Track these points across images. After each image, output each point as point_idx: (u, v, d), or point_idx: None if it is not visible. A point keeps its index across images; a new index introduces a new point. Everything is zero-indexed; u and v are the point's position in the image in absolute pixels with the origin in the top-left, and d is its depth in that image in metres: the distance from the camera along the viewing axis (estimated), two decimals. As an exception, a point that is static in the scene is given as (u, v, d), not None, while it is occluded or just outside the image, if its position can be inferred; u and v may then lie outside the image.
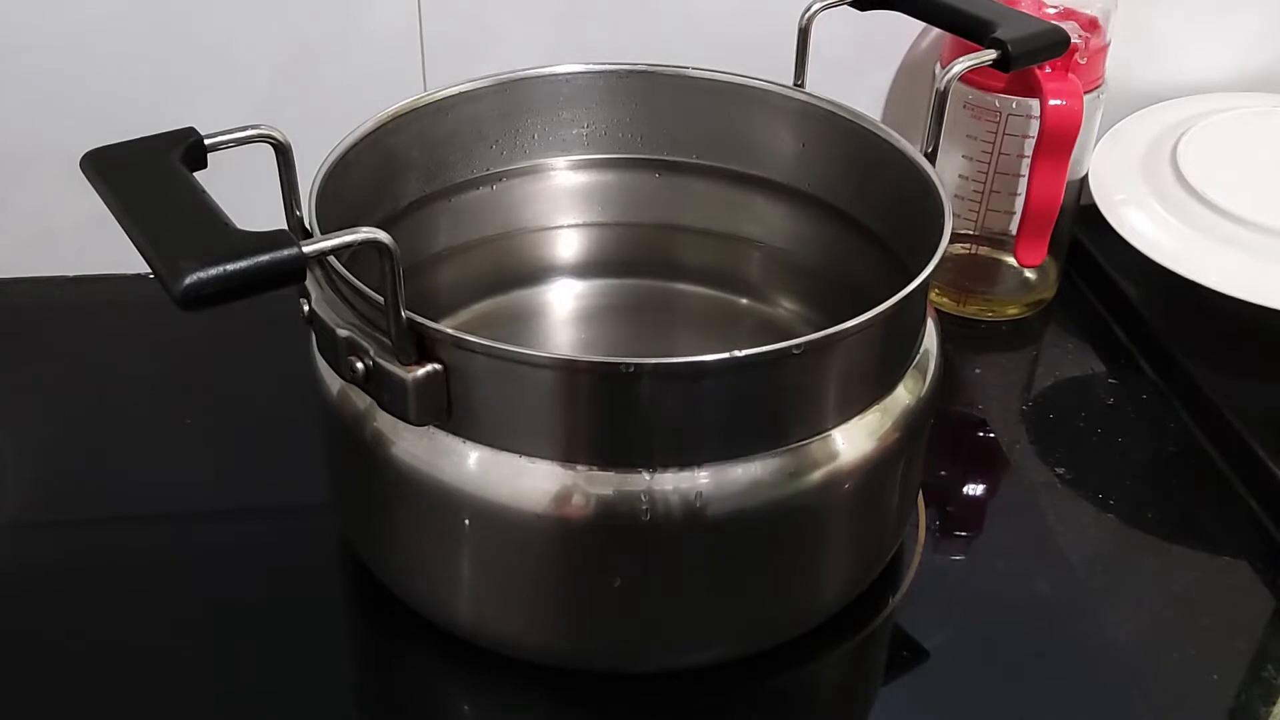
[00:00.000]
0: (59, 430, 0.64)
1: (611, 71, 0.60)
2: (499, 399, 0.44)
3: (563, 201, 0.63)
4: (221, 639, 0.53)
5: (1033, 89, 0.66)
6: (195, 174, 0.41)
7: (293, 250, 0.37)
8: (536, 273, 0.64)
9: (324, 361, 0.48)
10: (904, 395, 0.49)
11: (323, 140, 0.51)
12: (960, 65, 0.52)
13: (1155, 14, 0.77)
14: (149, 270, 0.37)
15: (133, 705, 0.50)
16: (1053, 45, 0.54)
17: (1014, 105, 0.69)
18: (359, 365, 0.43)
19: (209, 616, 0.54)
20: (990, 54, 0.52)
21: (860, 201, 0.58)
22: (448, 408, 0.44)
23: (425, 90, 0.58)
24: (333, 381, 0.48)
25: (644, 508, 0.44)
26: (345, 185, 0.51)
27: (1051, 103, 0.64)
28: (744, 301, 0.64)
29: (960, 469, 0.64)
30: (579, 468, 0.44)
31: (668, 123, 0.61)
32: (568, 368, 0.44)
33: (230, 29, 0.69)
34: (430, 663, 0.52)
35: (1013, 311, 0.75)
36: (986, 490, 0.64)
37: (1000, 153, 0.70)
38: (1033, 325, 0.74)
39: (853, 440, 0.47)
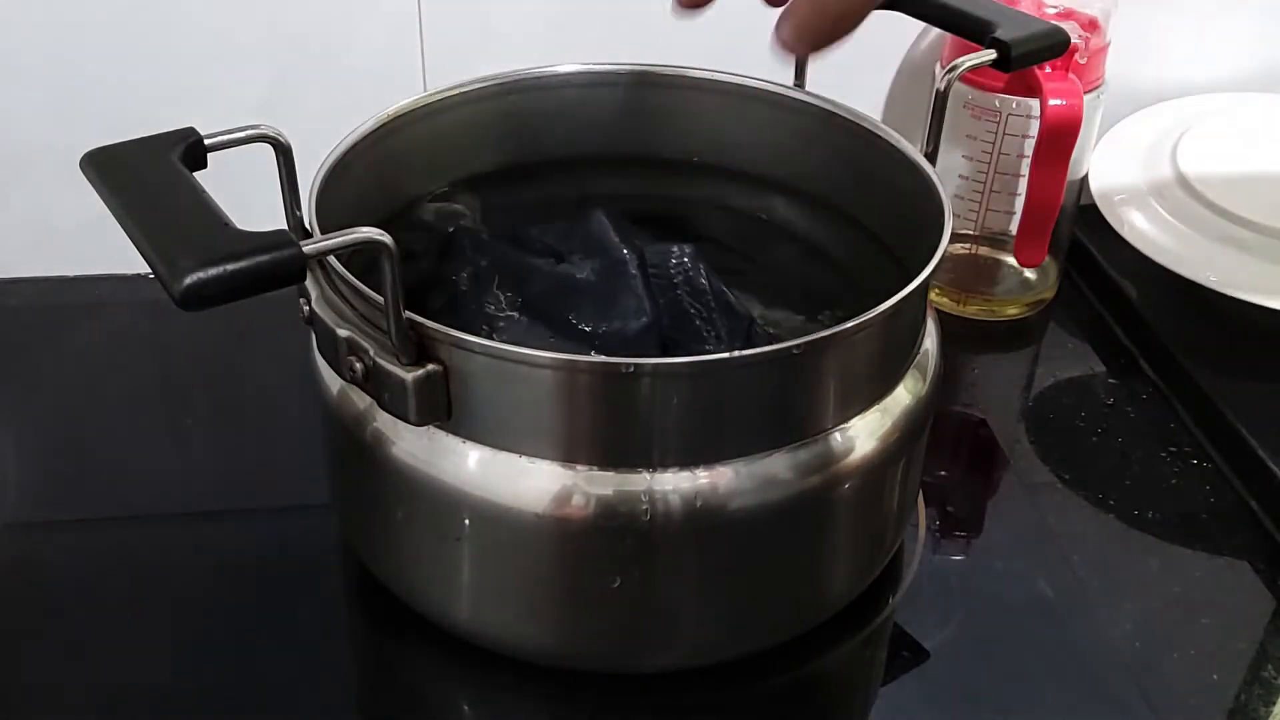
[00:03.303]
0: (59, 430, 0.64)
1: (611, 71, 0.60)
2: (499, 399, 0.44)
3: (562, 202, 0.63)
4: (221, 639, 0.53)
5: (1033, 89, 0.66)
6: (195, 174, 0.41)
7: (293, 250, 0.37)
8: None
9: (324, 361, 0.48)
10: (904, 395, 0.49)
11: (323, 140, 0.51)
12: (960, 65, 0.52)
13: (1155, 14, 0.77)
14: (149, 270, 0.37)
15: (133, 705, 0.50)
16: (1053, 45, 0.54)
17: (1014, 105, 0.69)
18: (359, 365, 0.43)
19: (209, 616, 0.54)
20: (990, 54, 0.52)
21: (860, 201, 0.58)
22: (448, 408, 0.44)
23: (425, 90, 0.58)
24: (333, 381, 0.48)
25: (644, 508, 0.44)
26: (345, 185, 0.51)
27: (1051, 103, 0.64)
28: (744, 301, 0.64)
29: (960, 469, 0.64)
30: (579, 468, 0.44)
31: (668, 123, 0.61)
32: (568, 368, 0.44)
33: (230, 29, 0.69)
34: (430, 663, 0.52)
35: (1013, 311, 0.75)
36: (986, 490, 0.64)
37: (1000, 153, 0.70)
38: (1033, 325, 0.74)
39: (853, 440, 0.47)
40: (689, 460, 0.44)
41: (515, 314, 0.52)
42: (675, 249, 0.53)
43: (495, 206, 0.61)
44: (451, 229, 0.56)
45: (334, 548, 0.57)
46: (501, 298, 0.52)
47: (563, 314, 0.51)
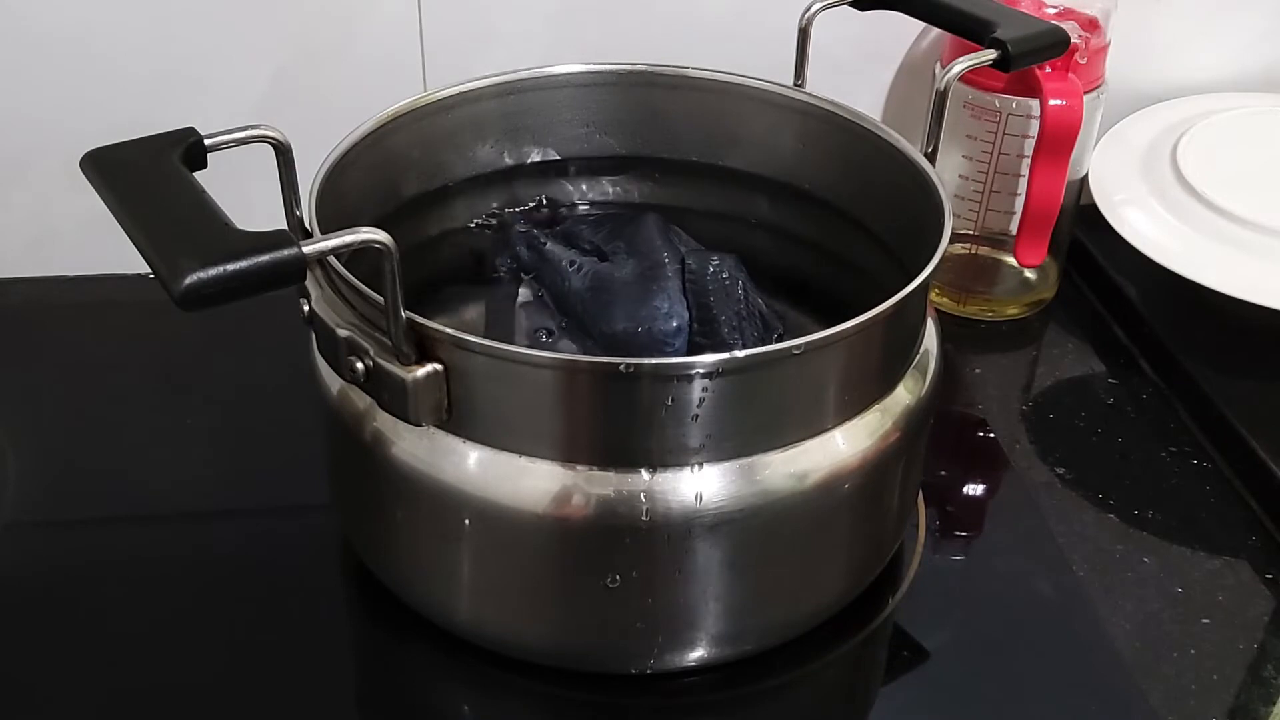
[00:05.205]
0: (59, 430, 0.64)
1: (611, 71, 0.60)
2: (499, 399, 0.44)
3: (563, 201, 0.63)
4: (221, 639, 0.53)
5: (1033, 89, 0.66)
6: (195, 174, 0.42)
7: (293, 250, 0.37)
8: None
9: (324, 361, 0.48)
10: (904, 395, 0.49)
11: (323, 140, 0.51)
12: (960, 65, 0.52)
13: (1155, 14, 0.77)
14: (149, 270, 0.37)
15: (133, 704, 0.50)
16: (1053, 45, 0.54)
17: (1014, 105, 0.69)
18: (359, 365, 0.43)
19: (209, 616, 0.54)
20: (990, 54, 0.52)
21: (860, 201, 0.58)
22: (448, 408, 0.44)
23: (425, 90, 0.58)
24: (333, 381, 0.48)
25: (644, 508, 0.44)
26: (345, 185, 0.51)
27: (1051, 103, 0.64)
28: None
29: (960, 469, 0.64)
30: (579, 468, 0.44)
31: (668, 123, 0.61)
32: (568, 368, 0.44)
33: (230, 29, 0.69)
34: (430, 663, 0.52)
35: (1013, 311, 0.75)
36: (986, 490, 0.64)
37: (1000, 153, 0.70)
38: (1033, 325, 0.74)
39: (853, 440, 0.47)
40: (689, 460, 0.44)
41: (544, 301, 0.53)
42: (716, 257, 0.54)
43: (495, 207, 0.62)
44: (512, 221, 0.59)
45: (334, 548, 0.57)
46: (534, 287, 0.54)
47: (595, 310, 0.52)
